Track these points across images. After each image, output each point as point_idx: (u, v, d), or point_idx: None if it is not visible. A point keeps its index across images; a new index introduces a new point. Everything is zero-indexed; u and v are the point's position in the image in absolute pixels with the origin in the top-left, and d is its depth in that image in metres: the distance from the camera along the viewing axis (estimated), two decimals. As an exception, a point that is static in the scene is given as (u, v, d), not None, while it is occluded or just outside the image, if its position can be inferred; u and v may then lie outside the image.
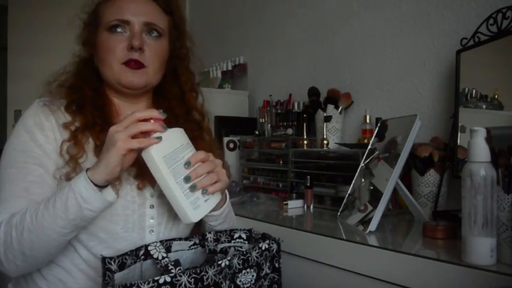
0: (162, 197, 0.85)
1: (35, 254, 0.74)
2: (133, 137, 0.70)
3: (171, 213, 0.86)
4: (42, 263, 0.79)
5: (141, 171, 0.83)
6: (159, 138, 0.71)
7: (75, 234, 0.76)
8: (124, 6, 0.84)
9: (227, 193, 0.90)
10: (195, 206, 0.74)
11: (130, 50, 0.82)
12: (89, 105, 0.84)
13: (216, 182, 0.77)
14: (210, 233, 0.83)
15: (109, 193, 0.74)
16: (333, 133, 1.62)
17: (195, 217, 0.74)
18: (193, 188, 0.74)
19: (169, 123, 0.91)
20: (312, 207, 1.44)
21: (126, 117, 0.71)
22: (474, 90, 1.22)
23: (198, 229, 0.94)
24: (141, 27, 0.84)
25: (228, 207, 0.89)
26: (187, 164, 0.74)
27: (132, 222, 0.82)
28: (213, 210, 0.83)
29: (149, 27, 0.85)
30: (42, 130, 0.81)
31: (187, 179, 0.74)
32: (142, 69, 0.84)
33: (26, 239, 0.72)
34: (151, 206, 0.84)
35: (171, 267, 0.69)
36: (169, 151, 0.73)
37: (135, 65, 0.83)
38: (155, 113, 0.72)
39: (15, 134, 0.82)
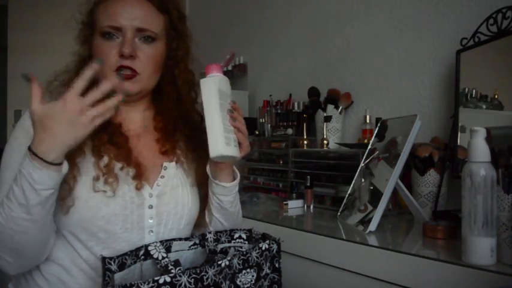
0: (160, 197, 0.85)
1: (18, 247, 0.73)
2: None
3: (171, 213, 0.86)
4: (34, 257, 0.78)
5: (139, 172, 0.83)
6: (119, 97, 0.73)
7: (50, 216, 0.74)
8: (117, 11, 0.82)
9: (237, 171, 0.91)
10: (227, 142, 0.79)
11: (122, 57, 0.81)
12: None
13: (244, 135, 0.84)
14: (210, 233, 0.83)
15: (64, 166, 0.71)
16: (333, 133, 1.62)
17: (225, 150, 0.78)
18: (233, 121, 0.81)
19: (167, 124, 0.91)
20: (312, 207, 1.44)
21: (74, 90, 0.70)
22: (474, 90, 1.22)
23: (201, 224, 0.94)
24: (133, 33, 0.82)
25: (236, 187, 0.91)
26: (233, 102, 0.83)
27: (131, 222, 0.82)
28: (224, 181, 0.87)
29: (142, 32, 0.83)
30: None
31: (231, 111, 0.82)
32: (136, 77, 0.83)
33: (3, 233, 0.72)
34: (150, 207, 0.84)
35: (171, 267, 0.69)
36: (224, 89, 0.82)
37: (127, 73, 0.82)
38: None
39: (14, 135, 0.82)
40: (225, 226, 0.92)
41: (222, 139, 0.78)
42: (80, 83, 0.69)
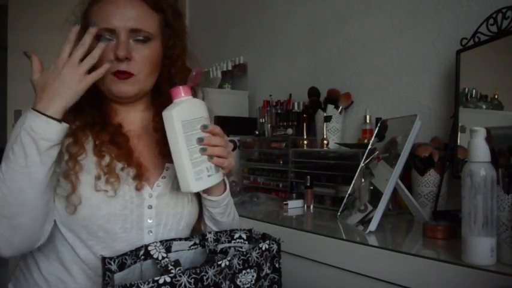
0: (160, 197, 0.85)
1: (14, 212, 0.71)
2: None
3: (170, 214, 0.86)
4: (29, 233, 0.75)
5: (139, 172, 0.83)
6: (111, 62, 0.76)
7: (47, 183, 0.73)
8: (109, 13, 0.81)
9: (227, 183, 0.90)
10: (197, 177, 0.75)
11: (117, 60, 0.80)
12: (87, 105, 0.83)
13: (222, 158, 0.79)
14: (210, 233, 0.83)
15: (63, 123, 0.73)
16: (333, 133, 1.62)
17: (195, 187, 0.76)
18: (203, 151, 0.76)
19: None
20: (312, 207, 1.44)
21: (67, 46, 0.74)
22: (474, 90, 1.22)
23: (199, 229, 0.94)
24: (127, 35, 0.81)
25: (227, 198, 0.89)
26: (205, 127, 0.77)
27: (130, 222, 0.82)
28: (212, 195, 0.85)
29: (136, 33, 0.82)
30: None
31: (200, 139, 0.76)
32: (132, 78, 0.82)
33: None
34: (150, 207, 0.84)
35: (171, 267, 0.69)
36: (189, 118, 0.76)
37: (123, 75, 0.82)
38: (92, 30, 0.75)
39: (14, 132, 0.82)
40: None
41: (191, 176, 0.74)
42: (68, 46, 0.74)
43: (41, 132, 0.70)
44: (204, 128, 0.77)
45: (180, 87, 0.77)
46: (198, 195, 0.91)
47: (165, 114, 0.76)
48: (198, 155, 0.76)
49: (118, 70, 0.81)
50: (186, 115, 0.76)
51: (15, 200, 0.71)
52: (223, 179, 0.87)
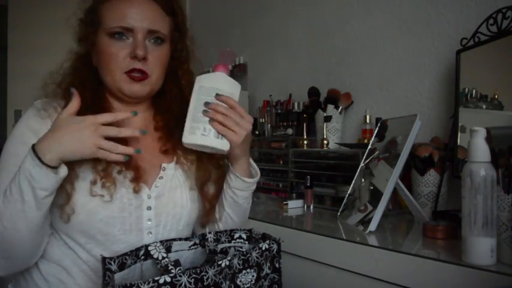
0: (159, 198, 0.85)
1: (8, 247, 0.73)
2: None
3: (169, 214, 0.86)
4: (23, 259, 0.77)
5: (137, 175, 0.83)
6: (126, 158, 0.76)
7: (43, 221, 0.74)
8: (126, 12, 0.81)
9: (258, 171, 0.91)
10: (191, 132, 0.79)
11: (134, 59, 0.81)
12: (88, 108, 0.82)
13: (226, 127, 0.78)
14: (210, 233, 0.83)
15: (62, 169, 0.72)
16: (333, 133, 1.62)
17: (186, 138, 0.79)
18: (205, 112, 0.78)
19: (167, 123, 0.91)
20: (312, 207, 1.44)
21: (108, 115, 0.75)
22: (474, 90, 1.22)
23: (207, 222, 0.94)
24: (144, 35, 0.82)
25: (254, 186, 0.90)
26: (218, 95, 0.79)
27: (129, 224, 0.81)
28: (242, 175, 0.86)
29: (152, 34, 0.83)
30: (38, 134, 0.77)
31: (207, 103, 0.79)
32: (146, 79, 0.83)
33: None
34: (149, 208, 0.84)
35: (171, 267, 0.69)
36: (207, 85, 0.81)
37: (138, 75, 0.82)
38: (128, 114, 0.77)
39: (10, 137, 0.82)
40: (235, 222, 0.92)
41: (187, 128, 0.79)
42: (109, 117, 0.74)
43: (40, 181, 0.69)
44: (217, 96, 0.80)
45: (218, 65, 0.83)
46: (199, 195, 0.91)
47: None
48: (200, 115, 0.79)
49: (134, 69, 0.81)
50: (206, 83, 0.81)
51: (11, 239, 0.73)
52: (252, 165, 0.90)
